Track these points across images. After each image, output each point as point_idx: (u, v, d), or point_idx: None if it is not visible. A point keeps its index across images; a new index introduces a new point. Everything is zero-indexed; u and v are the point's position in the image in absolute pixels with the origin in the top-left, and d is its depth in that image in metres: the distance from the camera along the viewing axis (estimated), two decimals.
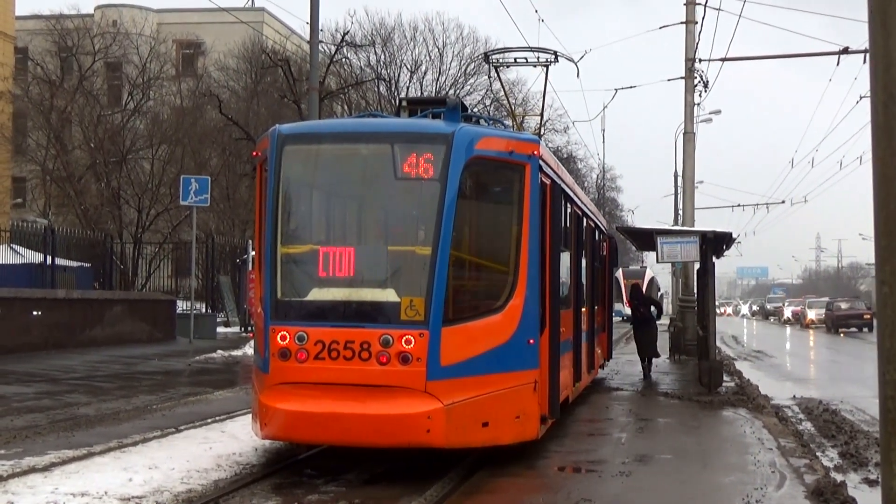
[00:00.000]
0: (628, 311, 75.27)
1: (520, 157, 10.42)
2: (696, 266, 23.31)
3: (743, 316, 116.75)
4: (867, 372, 23.85)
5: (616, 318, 68.58)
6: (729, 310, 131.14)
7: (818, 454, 12.99)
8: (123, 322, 28.07)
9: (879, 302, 5.38)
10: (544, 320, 10.93)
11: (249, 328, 32.33)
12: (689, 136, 28.56)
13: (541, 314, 10.73)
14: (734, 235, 21.42)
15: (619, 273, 69.23)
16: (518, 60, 14.92)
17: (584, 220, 16.23)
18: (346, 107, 45.25)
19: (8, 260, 28.12)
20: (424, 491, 9.08)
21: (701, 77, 28.29)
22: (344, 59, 44.97)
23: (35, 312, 24.28)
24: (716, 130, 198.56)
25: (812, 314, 64.49)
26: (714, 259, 19.79)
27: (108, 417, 13.60)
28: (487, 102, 47.81)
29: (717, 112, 49.45)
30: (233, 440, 11.54)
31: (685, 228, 22.98)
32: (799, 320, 68.09)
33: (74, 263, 30.35)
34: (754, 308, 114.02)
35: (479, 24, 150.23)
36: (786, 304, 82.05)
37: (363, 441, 9.68)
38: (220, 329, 33.59)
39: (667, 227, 28.56)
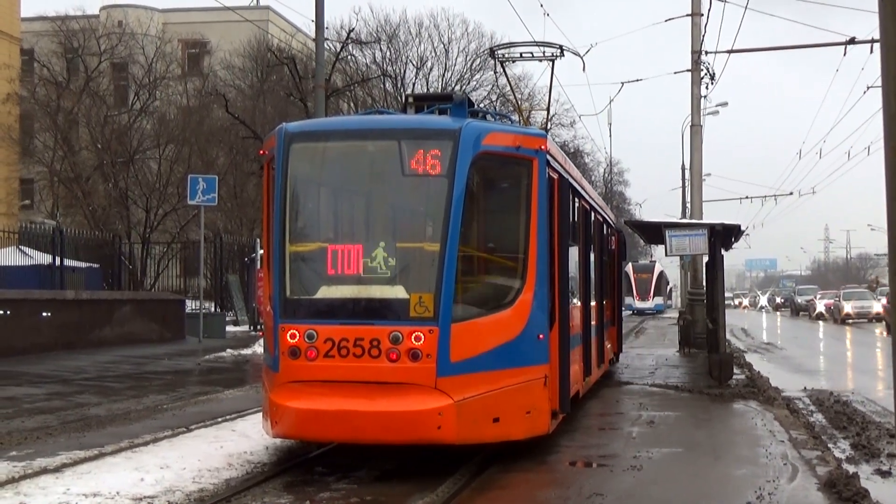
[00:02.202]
0: (639, 304, 74.94)
1: (527, 151, 10.40)
2: (705, 259, 23.27)
3: (762, 308, 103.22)
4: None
5: (627, 312, 69.05)
6: (745, 301, 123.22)
7: (830, 446, 12.93)
8: (133, 322, 28.11)
9: (892, 293, 5.35)
10: (554, 315, 10.91)
11: (259, 327, 32.36)
12: (695, 128, 28.50)
13: (550, 309, 10.72)
14: (742, 227, 21.34)
15: (629, 267, 69.40)
16: (524, 55, 14.87)
17: (592, 214, 16.21)
18: (352, 104, 45.27)
19: (17, 261, 28.18)
20: (436, 487, 9.06)
21: (707, 69, 28.20)
22: (349, 57, 44.99)
23: (44, 313, 24.31)
24: (723, 123, 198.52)
25: (849, 307, 54.38)
26: (723, 251, 19.73)
27: (118, 417, 13.61)
28: (494, 98, 47.73)
29: (724, 104, 49.60)
30: (244, 439, 11.53)
31: (693, 221, 22.94)
32: (833, 315, 57.70)
33: (83, 264, 30.40)
34: (778, 300, 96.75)
35: (485, 19, 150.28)
36: (817, 296, 67.65)
37: (374, 438, 9.68)
38: (230, 328, 33.62)
39: (675, 220, 28.55)
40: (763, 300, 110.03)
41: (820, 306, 62.83)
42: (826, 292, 69.40)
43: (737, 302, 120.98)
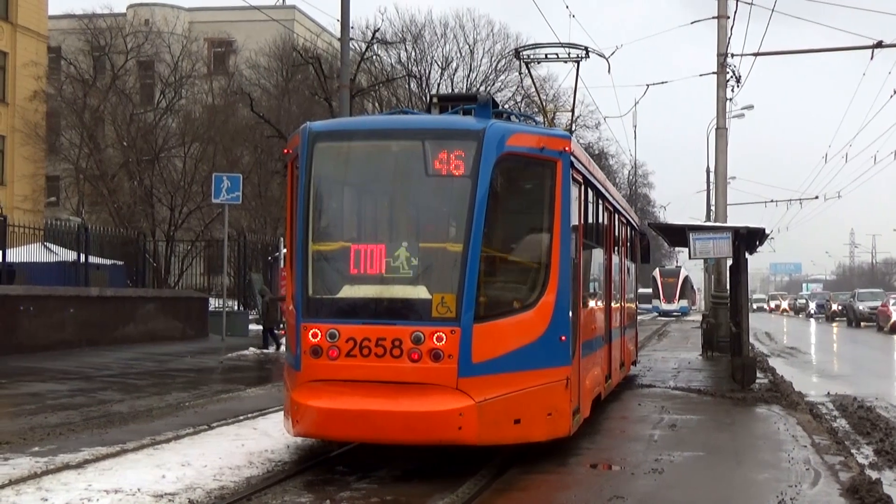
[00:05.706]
0: (664, 306, 77.04)
1: (551, 153, 10.36)
2: (729, 262, 23.16)
3: (810, 316, 79.22)
4: None
5: (653, 314, 69.73)
6: (785, 304, 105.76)
7: (853, 451, 12.83)
8: (156, 320, 28.23)
9: None
10: (576, 317, 10.89)
11: (281, 325, 32.41)
12: (721, 131, 28.35)
13: (572, 311, 10.69)
14: (767, 231, 21.20)
15: (656, 272, 71.70)
16: (549, 56, 14.84)
17: (616, 216, 16.16)
18: (377, 104, 45.32)
19: (42, 258, 28.33)
20: (456, 488, 9.05)
21: (733, 72, 28.09)
22: (375, 57, 45.07)
23: (69, 310, 24.46)
24: (748, 126, 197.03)
25: None
26: (747, 255, 19.62)
27: (141, 415, 13.67)
28: (518, 99, 47.70)
29: (750, 107, 49.27)
30: (265, 437, 11.56)
31: (718, 224, 22.82)
32: None
33: (108, 261, 30.58)
34: (835, 307, 65.80)
35: (510, 20, 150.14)
36: (891, 301, 47.83)
37: (395, 438, 9.67)
38: (252, 326, 33.69)
39: (699, 223, 28.42)
40: (812, 306, 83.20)
41: None
42: None
43: (773, 305, 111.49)
